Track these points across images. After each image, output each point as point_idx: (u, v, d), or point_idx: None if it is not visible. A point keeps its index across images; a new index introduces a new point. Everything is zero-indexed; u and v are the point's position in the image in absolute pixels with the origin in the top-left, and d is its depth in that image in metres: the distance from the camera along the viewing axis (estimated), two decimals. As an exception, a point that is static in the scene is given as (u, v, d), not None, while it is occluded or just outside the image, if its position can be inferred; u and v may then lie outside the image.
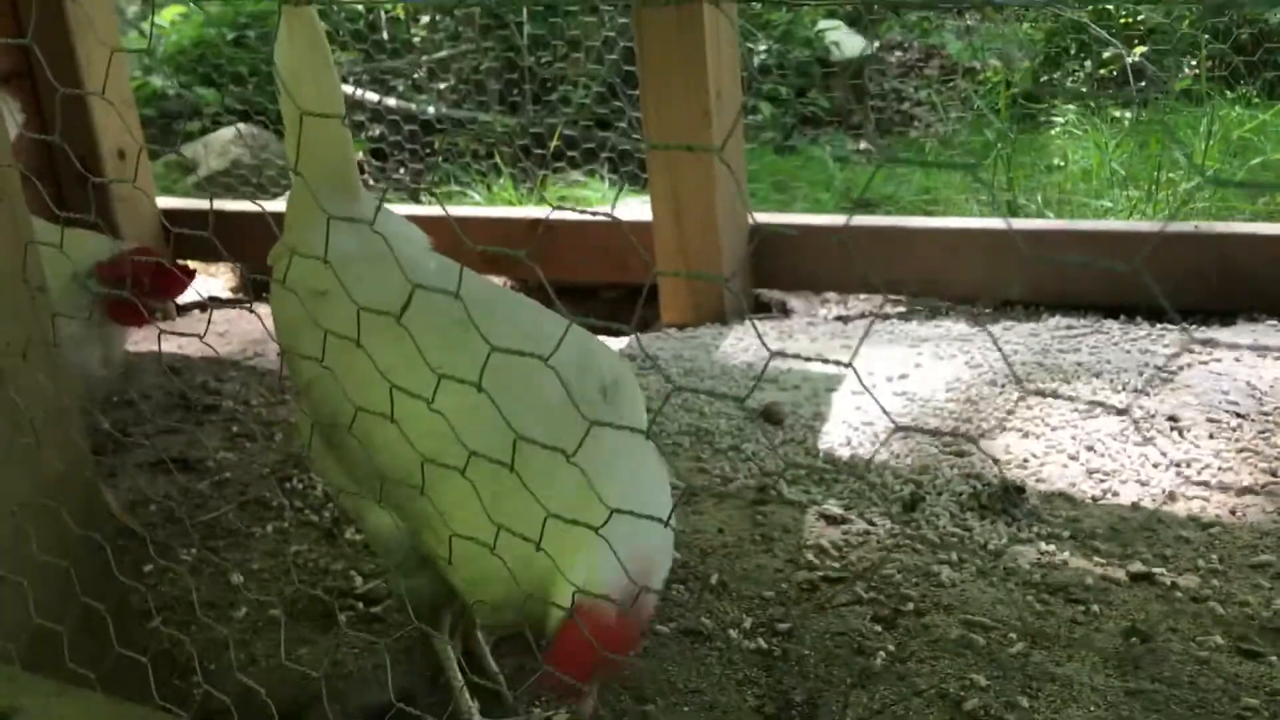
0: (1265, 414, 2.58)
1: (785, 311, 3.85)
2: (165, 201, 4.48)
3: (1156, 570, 2.07)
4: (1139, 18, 6.54)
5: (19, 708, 1.54)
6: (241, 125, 5.99)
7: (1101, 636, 1.90)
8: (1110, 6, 6.61)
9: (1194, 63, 5.92)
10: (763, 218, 3.82)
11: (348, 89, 6.65)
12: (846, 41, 7.17)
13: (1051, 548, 2.17)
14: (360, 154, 6.30)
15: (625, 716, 1.79)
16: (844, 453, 2.64)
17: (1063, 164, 5.21)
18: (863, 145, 6.69)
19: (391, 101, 6.37)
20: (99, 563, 1.47)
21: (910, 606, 2.02)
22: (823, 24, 7.27)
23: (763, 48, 6.93)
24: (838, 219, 3.90)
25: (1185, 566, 2.09)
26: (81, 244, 2.42)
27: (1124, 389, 2.75)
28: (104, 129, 3.95)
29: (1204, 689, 1.75)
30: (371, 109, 6.52)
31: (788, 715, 1.77)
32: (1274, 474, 2.35)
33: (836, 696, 1.80)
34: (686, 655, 1.93)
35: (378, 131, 6.32)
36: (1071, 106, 6.04)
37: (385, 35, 6.80)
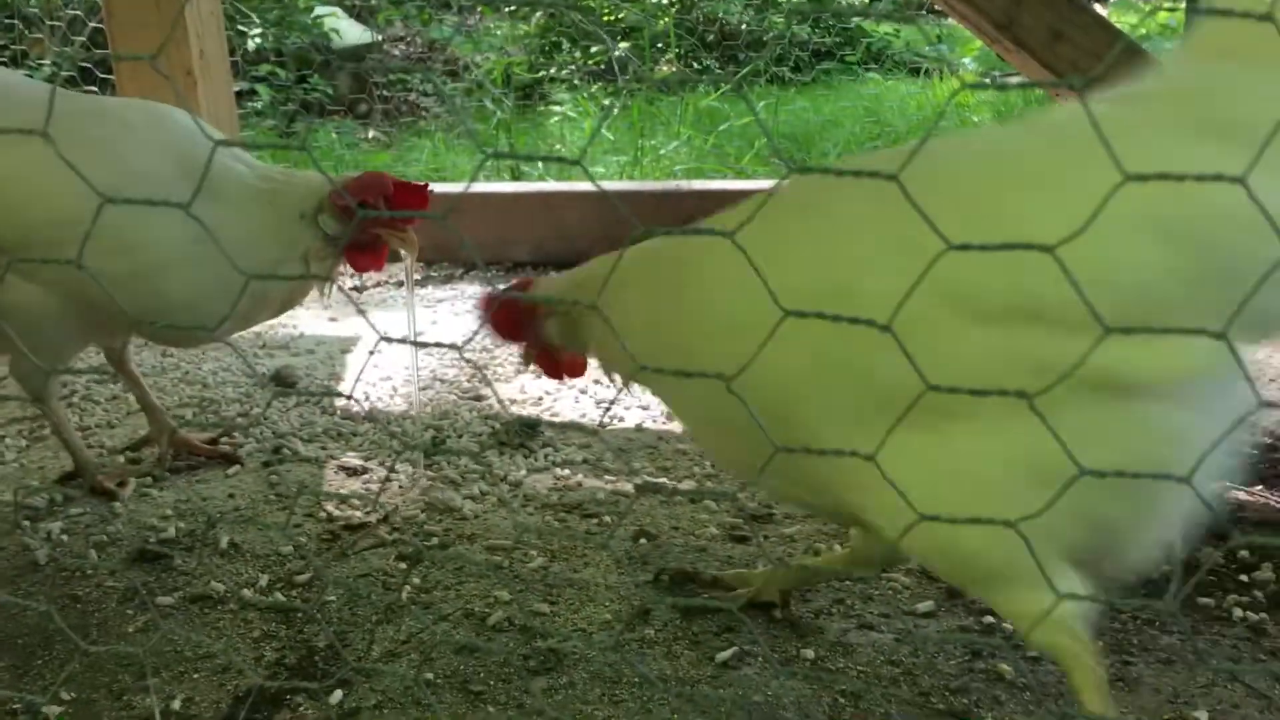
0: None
1: (296, 286, 3.69)
2: None
3: (659, 480, 2.21)
4: (620, 15, 7.08)
5: None
6: None
7: (614, 542, 2.00)
8: (593, 4, 7.08)
9: (668, 55, 6.52)
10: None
11: None
12: (347, 29, 7.05)
13: (566, 472, 2.25)
14: None
15: (125, 694, 1.60)
16: (362, 408, 2.57)
17: (561, 146, 5.50)
18: (371, 134, 6.61)
19: None
20: None
21: (435, 541, 2.00)
22: (320, 10, 7.09)
23: (256, 32, 6.61)
24: (344, 188, 3.80)
25: (684, 474, 2.25)
26: (302, 182, 2.02)
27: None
28: None
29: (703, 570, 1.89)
30: None
31: (310, 662, 1.68)
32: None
33: (362, 635, 1.73)
34: (195, 622, 1.76)
35: None
36: (566, 95, 6.39)
37: None
